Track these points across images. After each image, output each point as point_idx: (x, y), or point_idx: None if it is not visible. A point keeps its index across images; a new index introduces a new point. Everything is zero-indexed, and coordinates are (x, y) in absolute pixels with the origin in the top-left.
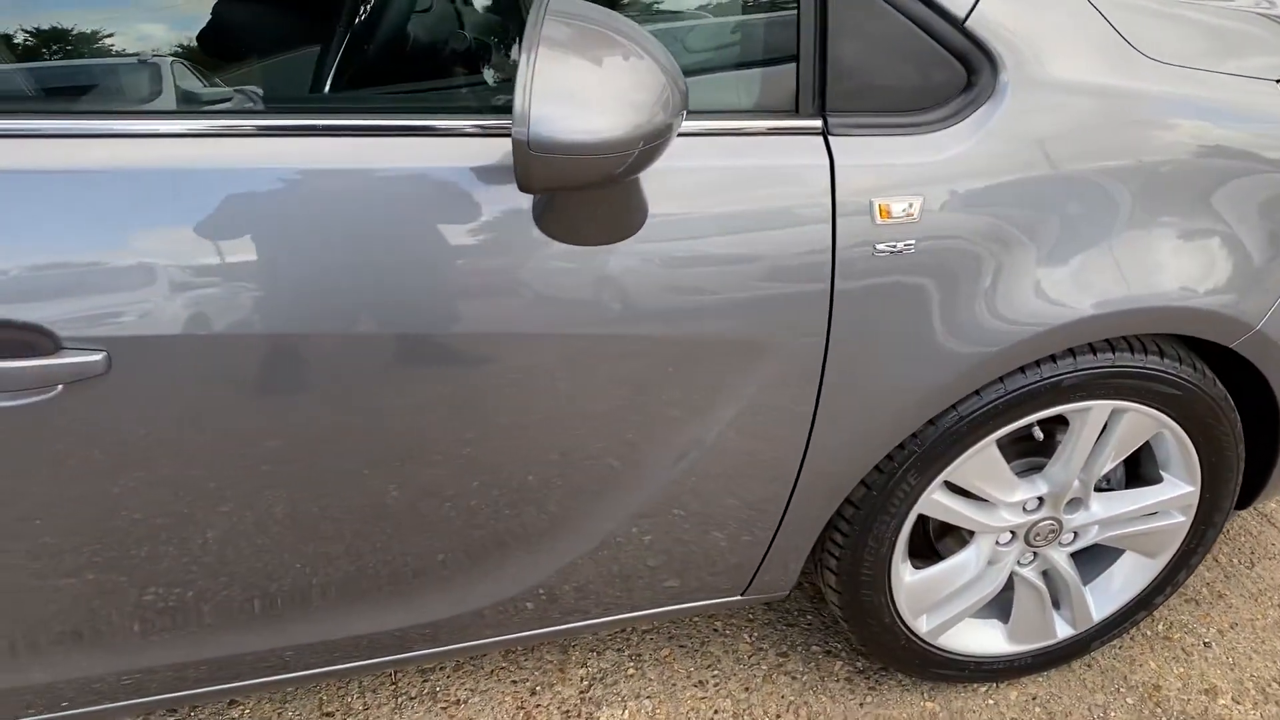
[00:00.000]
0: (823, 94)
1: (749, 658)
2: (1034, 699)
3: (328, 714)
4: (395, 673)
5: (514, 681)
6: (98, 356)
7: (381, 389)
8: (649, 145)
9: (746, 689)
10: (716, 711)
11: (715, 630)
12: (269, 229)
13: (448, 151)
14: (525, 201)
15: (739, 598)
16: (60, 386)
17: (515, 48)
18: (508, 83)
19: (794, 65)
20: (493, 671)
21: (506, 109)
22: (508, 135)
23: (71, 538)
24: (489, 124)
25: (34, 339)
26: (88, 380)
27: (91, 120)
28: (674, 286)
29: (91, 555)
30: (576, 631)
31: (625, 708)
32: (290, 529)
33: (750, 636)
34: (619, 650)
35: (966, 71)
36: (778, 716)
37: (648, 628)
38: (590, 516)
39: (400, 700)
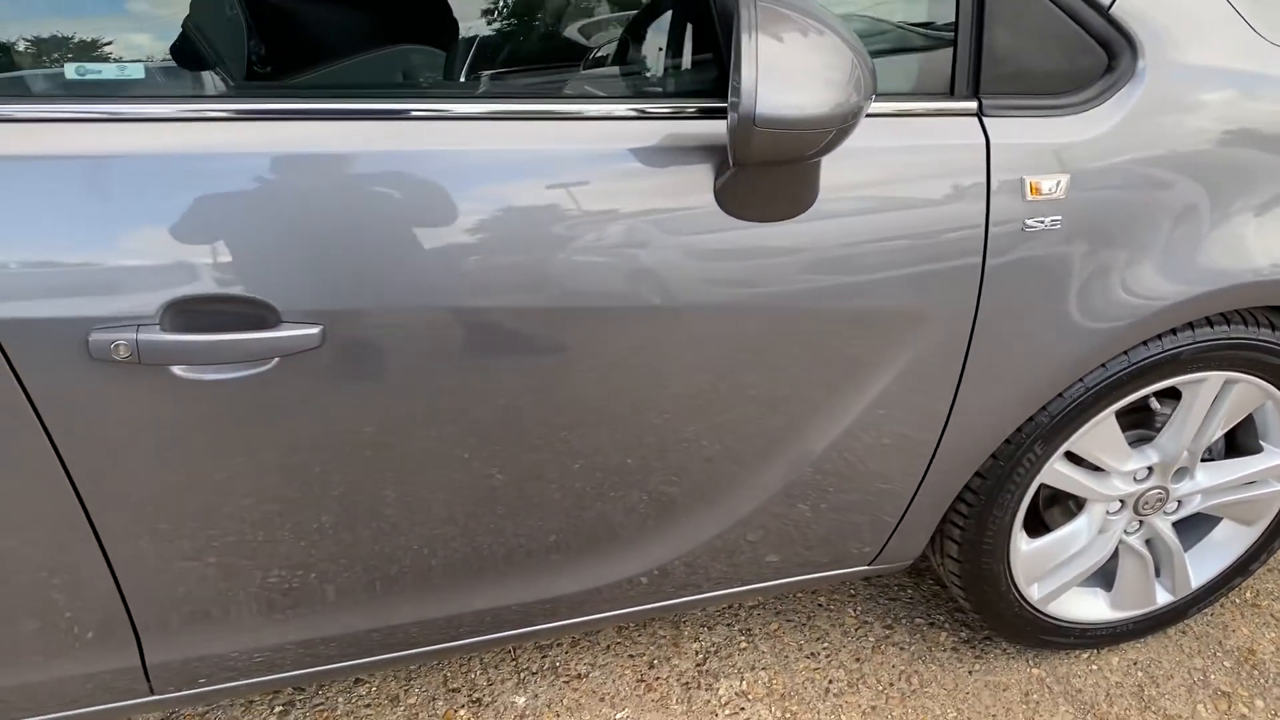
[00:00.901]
0: (977, 78)
1: (855, 630)
2: (1135, 664)
3: (453, 689)
4: (515, 650)
5: (630, 656)
6: (314, 330)
7: (560, 361)
8: (847, 124)
9: (857, 659)
10: (831, 681)
11: (820, 605)
12: (471, 209)
13: (617, 134)
14: (691, 181)
15: (866, 568)
16: (276, 359)
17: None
18: (632, 74)
19: (951, 51)
20: (608, 647)
21: (658, 94)
22: (658, 119)
23: (270, 506)
24: (646, 109)
25: (260, 313)
26: (303, 353)
27: (316, 103)
28: (835, 261)
29: (284, 524)
30: (690, 605)
31: (742, 678)
32: (474, 499)
33: (855, 610)
34: (728, 625)
35: (1108, 56)
36: (890, 684)
37: (754, 604)
38: (739, 491)
39: (522, 675)
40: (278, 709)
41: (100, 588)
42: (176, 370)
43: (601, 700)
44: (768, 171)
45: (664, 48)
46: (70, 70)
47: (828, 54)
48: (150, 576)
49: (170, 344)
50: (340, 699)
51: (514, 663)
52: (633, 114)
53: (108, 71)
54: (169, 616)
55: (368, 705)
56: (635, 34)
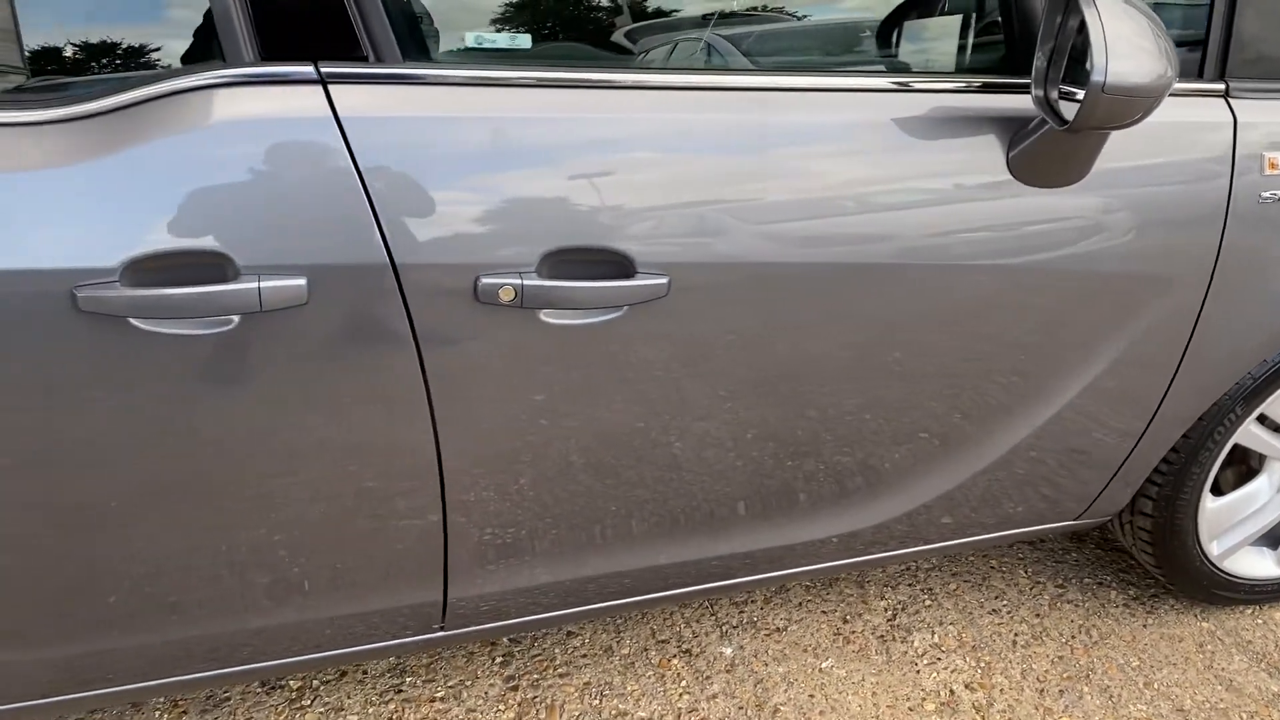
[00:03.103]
0: (1224, 61)
1: (1030, 589)
2: None
3: (662, 641)
4: (713, 605)
5: (824, 611)
6: (663, 280)
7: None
8: (1163, 95)
9: (1037, 615)
10: (1016, 635)
11: (992, 567)
12: (781, 175)
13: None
14: (979, 149)
15: (1071, 522)
16: (625, 308)
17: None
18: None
19: (1203, 36)
20: (800, 604)
21: (942, 70)
22: (923, 92)
23: (591, 450)
24: (936, 84)
25: (618, 261)
26: (650, 302)
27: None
28: (1097, 229)
29: (601, 467)
30: (877, 563)
31: (933, 632)
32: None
33: (1026, 571)
34: (910, 585)
35: None
36: (1073, 637)
37: (929, 565)
38: (971, 449)
39: (724, 629)
40: (498, 659)
41: (431, 523)
42: (542, 315)
43: (805, 651)
44: (1068, 140)
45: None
46: (470, 39)
47: (1146, 31)
48: (474, 514)
49: (548, 290)
50: (556, 650)
51: (714, 617)
52: (926, 87)
53: (501, 41)
54: (477, 554)
55: (584, 655)
56: (922, 11)
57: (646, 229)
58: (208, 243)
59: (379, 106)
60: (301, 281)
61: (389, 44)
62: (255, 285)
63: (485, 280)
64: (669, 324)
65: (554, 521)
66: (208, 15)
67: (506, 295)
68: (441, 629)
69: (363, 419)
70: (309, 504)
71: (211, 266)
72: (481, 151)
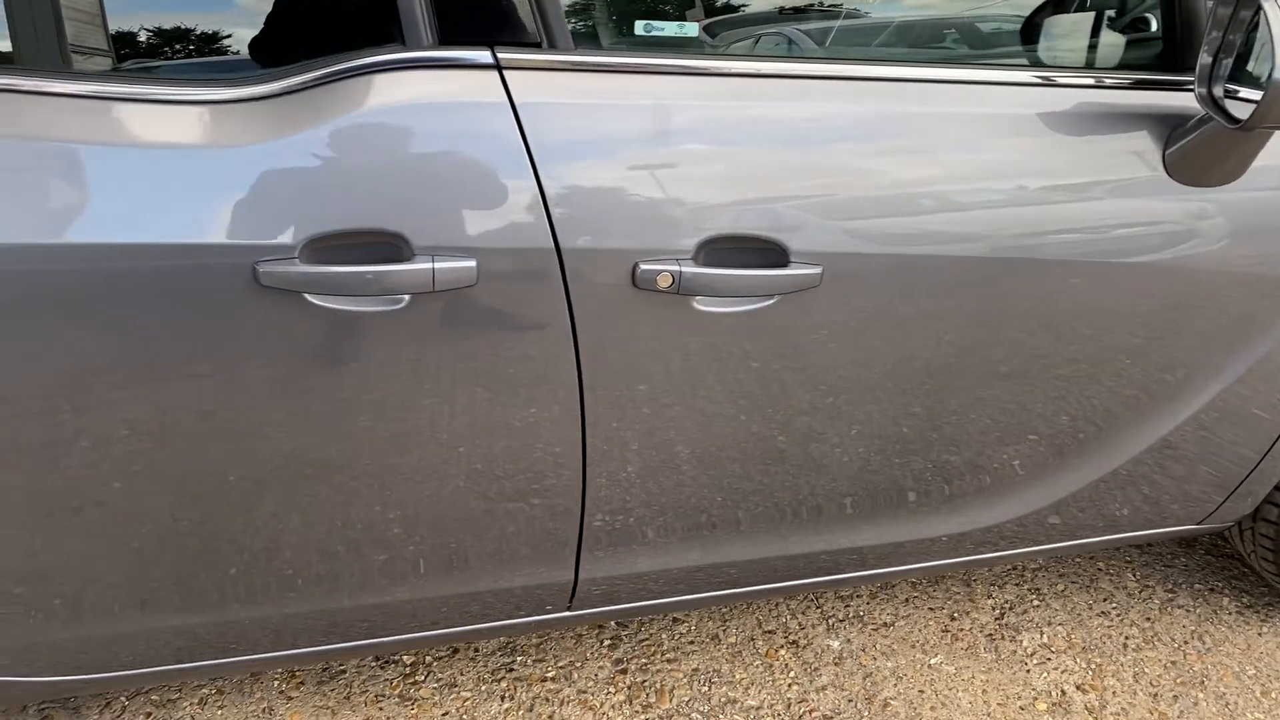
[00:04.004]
0: None
1: (1139, 593)
2: None
3: (768, 631)
4: (818, 598)
5: (930, 608)
6: (816, 270)
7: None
8: None
9: (1147, 619)
10: (1127, 638)
11: (1099, 569)
12: (947, 164)
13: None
14: (1133, 146)
15: (1194, 527)
16: (776, 297)
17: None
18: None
19: None
20: (907, 600)
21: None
22: (1073, 87)
23: (731, 437)
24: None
25: (772, 250)
26: (802, 292)
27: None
28: (1246, 230)
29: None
30: (984, 563)
31: (1042, 632)
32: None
33: (1135, 574)
34: (1016, 585)
35: None
36: (1185, 642)
37: (1036, 565)
38: (1102, 450)
39: (830, 622)
40: (606, 642)
41: (571, 502)
42: (695, 302)
43: (913, 647)
44: (1230, 139)
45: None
46: (639, 26)
47: None
48: (612, 497)
49: (705, 277)
50: (664, 636)
51: (819, 610)
52: (1076, 82)
53: (669, 29)
54: (609, 537)
55: (690, 642)
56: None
57: (801, 218)
58: (385, 222)
59: (552, 92)
60: (472, 263)
61: (562, 30)
62: (430, 266)
63: (644, 266)
64: (818, 313)
65: (688, 507)
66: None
67: (664, 282)
68: (569, 610)
69: (515, 400)
70: (455, 483)
71: (387, 246)
72: (647, 139)
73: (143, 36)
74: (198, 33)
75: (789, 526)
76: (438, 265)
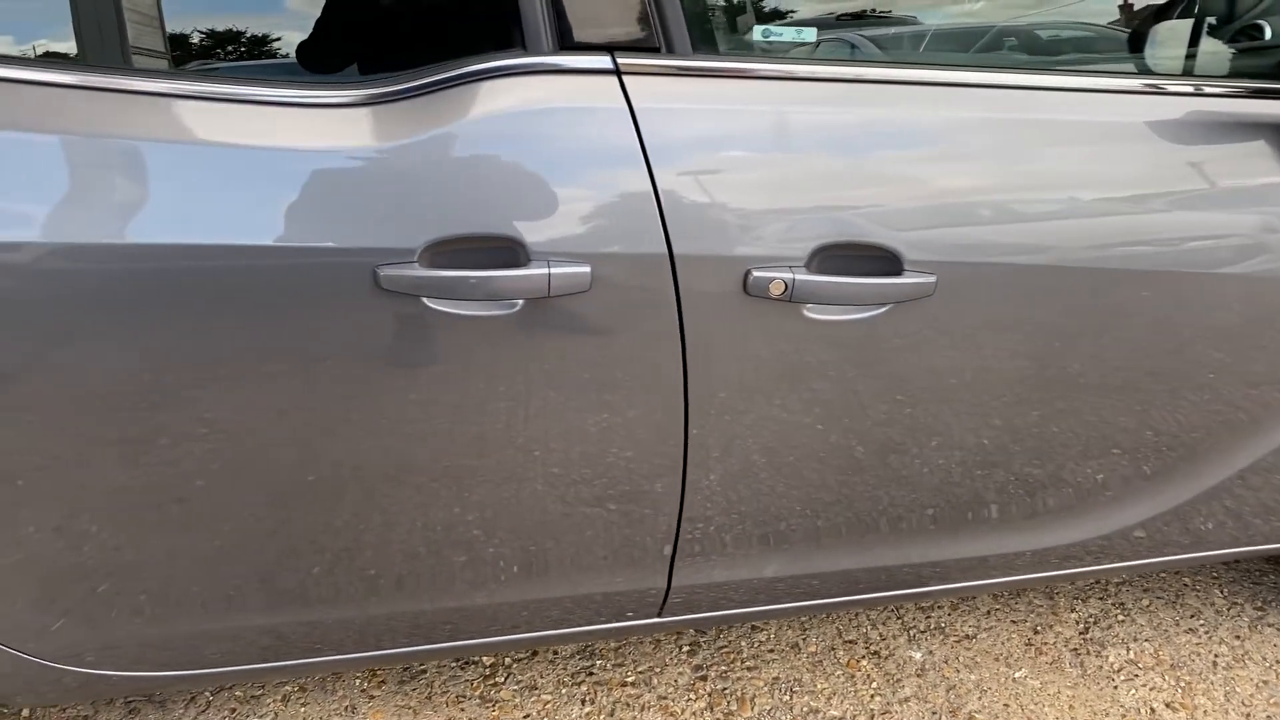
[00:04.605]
0: None
1: (1227, 610)
2: None
3: (848, 641)
4: (899, 609)
5: (1013, 621)
6: (930, 279)
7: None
8: None
9: (1237, 637)
10: (1217, 656)
11: (1185, 585)
12: (1059, 173)
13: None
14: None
15: None
16: (888, 305)
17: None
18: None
19: None
20: (989, 612)
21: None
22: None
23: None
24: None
25: (886, 258)
26: (915, 301)
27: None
28: None
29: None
30: (1068, 578)
31: (1128, 648)
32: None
33: (1222, 591)
34: (1100, 599)
35: None
36: (1277, 662)
37: (1119, 579)
38: (1206, 463)
39: (911, 633)
40: (684, 648)
41: (668, 509)
42: (805, 309)
43: (996, 660)
44: None
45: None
46: (757, 32)
47: None
48: (710, 504)
49: (818, 285)
50: (743, 643)
51: (900, 621)
52: (1184, 90)
53: (787, 35)
54: (704, 545)
55: (770, 650)
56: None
57: (915, 226)
58: (503, 227)
59: (670, 97)
60: (587, 269)
61: (681, 36)
62: (546, 271)
63: (757, 274)
64: (930, 323)
65: (781, 516)
66: (509, 4)
67: (777, 289)
68: (658, 617)
69: (621, 406)
70: (557, 488)
71: (504, 250)
72: (763, 145)
73: (195, 39)
74: (249, 35)
75: (874, 537)
76: (553, 270)
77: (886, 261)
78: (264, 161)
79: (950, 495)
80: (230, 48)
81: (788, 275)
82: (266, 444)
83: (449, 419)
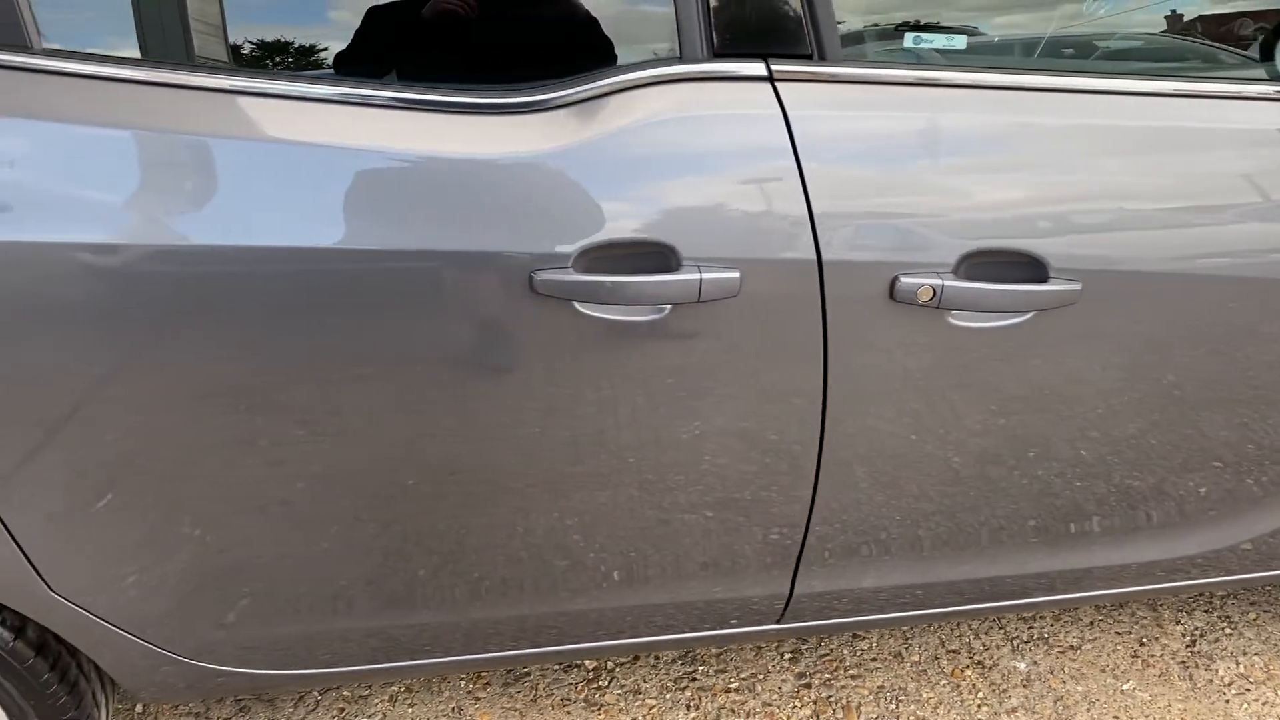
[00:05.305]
0: None
1: None
2: None
3: (951, 651)
4: (1001, 620)
5: (1118, 633)
6: (1076, 286)
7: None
8: None
9: None
10: None
11: None
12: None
13: None
14: None
15: None
16: (1032, 313)
17: None
18: None
19: None
20: (1091, 623)
21: None
22: None
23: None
24: None
25: (1032, 265)
26: (1058, 309)
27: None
28: None
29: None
30: (1172, 591)
31: (1238, 661)
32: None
33: None
34: (1206, 611)
35: None
36: None
37: (1224, 592)
38: None
39: (1014, 643)
40: (786, 656)
41: (796, 515)
42: (949, 316)
43: (1103, 671)
44: None
45: None
46: (907, 39)
47: None
48: (839, 510)
49: (966, 291)
50: (845, 652)
51: (1003, 631)
52: None
53: (937, 41)
54: (828, 552)
55: (873, 659)
56: None
57: (1061, 232)
58: (656, 233)
59: (823, 104)
60: (736, 274)
61: (833, 43)
62: (697, 276)
63: (905, 279)
64: (1074, 329)
65: (911, 524)
66: (661, 13)
67: (925, 296)
68: (777, 623)
69: (758, 411)
70: (685, 494)
71: (656, 255)
72: (913, 151)
73: (246, 49)
74: (302, 45)
75: (988, 546)
76: (705, 276)
77: (1030, 268)
78: (422, 167)
79: (1105, 502)
80: (297, 58)
81: (936, 281)
82: (419, 443)
83: (593, 422)
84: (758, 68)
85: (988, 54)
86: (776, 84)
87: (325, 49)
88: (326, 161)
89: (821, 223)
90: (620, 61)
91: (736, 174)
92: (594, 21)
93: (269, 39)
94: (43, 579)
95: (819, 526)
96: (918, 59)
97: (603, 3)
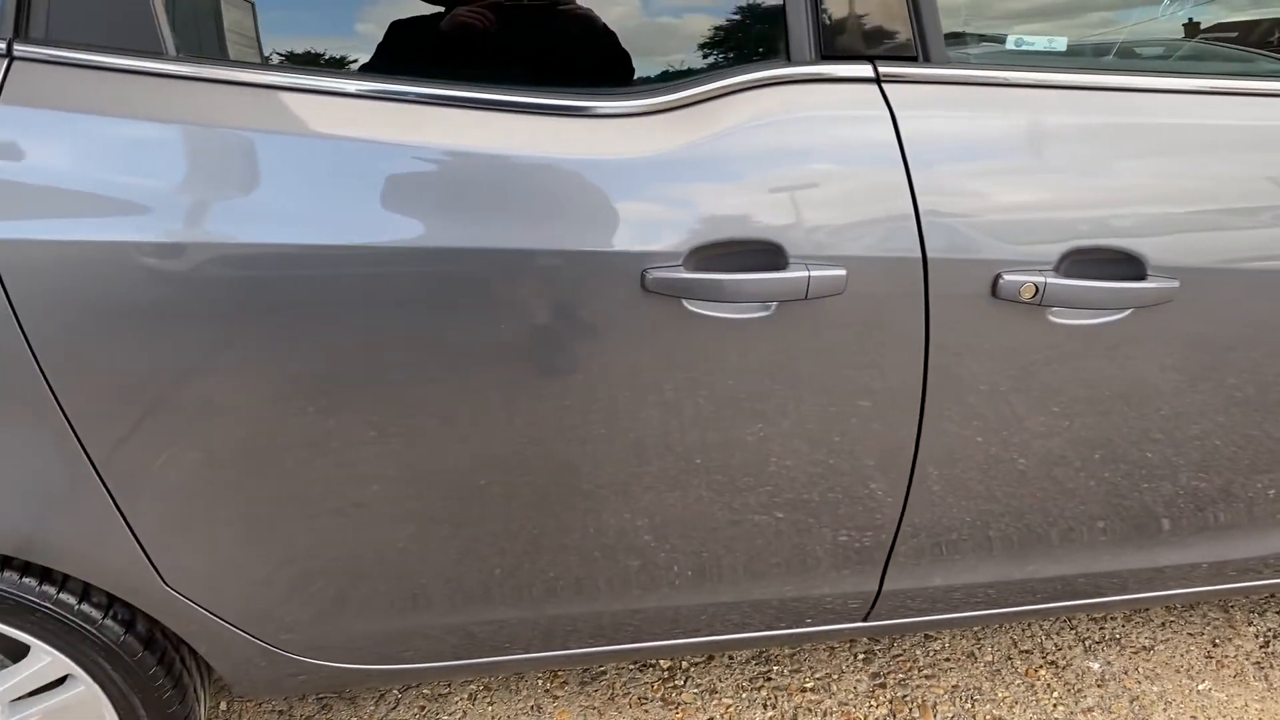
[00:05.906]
0: None
1: None
2: None
3: (1024, 651)
4: (1072, 620)
5: (1190, 634)
6: (1174, 284)
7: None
8: None
9: None
10: None
11: None
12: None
13: None
14: None
15: None
16: (1129, 310)
17: None
18: None
19: None
20: (1163, 624)
21: None
22: None
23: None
24: None
25: (1130, 262)
26: (1155, 306)
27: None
28: None
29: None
30: (1244, 591)
31: None
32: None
33: None
34: (1278, 612)
35: None
36: None
37: None
38: None
39: (1087, 644)
40: (860, 656)
41: (889, 513)
42: (1050, 314)
43: (1177, 672)
44: None
45: None
46: (1010, 41)
47: None
48: (931, 507)
49: (1068, 289)
50: (918, 652)
51: (1074, 631)
52: None
53: (1039, 44)
54: (920, 547)
55: (946, 659)
56: None
57: (1159, 229)
58: (764, 232)
59: (928, 104)
60: (843, 272)
61: (938, 45)
62: (805, 274)
63: (1008, 277)
64: (1170, 328)
65: (1000, 521)
66: (770, 16)
67: (1027, 293)
68: (864, 621)
69: (864, 409)
70: (774, 493)
71: (763, 253)
72: (1016, 151)
73: (275, 59)
74: (333, 56)
75: (1086, 545)
76: (812, 273)
77: (1129, 265)
78: (538, 168)
79: (1207, 501)
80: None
81: (1039, 279)
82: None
83: (699, 419)
84: (865, 69)
85: (1087, 56)
86: (883, 85)
87: (345, 59)
88: (455, 164)
89: (927, 221)
90: (724, 65)
91: (843, 173)
92: (611, 34)
93: (323, 50)
94: (159, 573)
95: (912, 524)
96: (1020, 61)
97: (712, 6)
